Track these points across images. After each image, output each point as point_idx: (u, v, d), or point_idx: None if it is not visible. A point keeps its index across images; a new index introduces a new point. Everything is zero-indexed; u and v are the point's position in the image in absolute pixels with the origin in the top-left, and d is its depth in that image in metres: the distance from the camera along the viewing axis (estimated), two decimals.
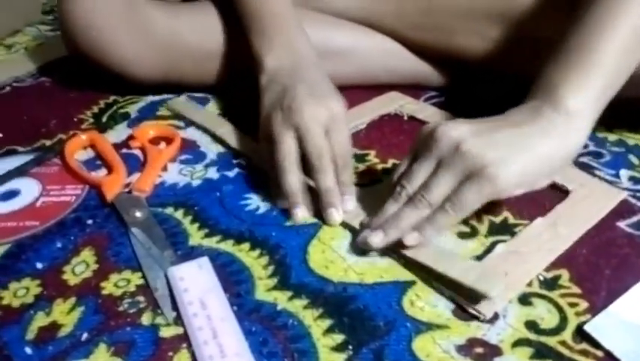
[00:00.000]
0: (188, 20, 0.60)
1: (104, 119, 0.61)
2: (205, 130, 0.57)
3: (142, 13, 0.58)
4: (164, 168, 0.51)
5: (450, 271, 0.36)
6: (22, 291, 0.39)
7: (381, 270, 0.39)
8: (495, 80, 0.58)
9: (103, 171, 0.52)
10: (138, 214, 0.45)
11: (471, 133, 0.38)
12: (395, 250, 0.39)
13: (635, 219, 0.43)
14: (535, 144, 0.38)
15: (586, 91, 0.40)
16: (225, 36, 0.60)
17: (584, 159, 0.50)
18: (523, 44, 0.54)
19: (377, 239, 0.39)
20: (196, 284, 0.38)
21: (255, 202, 0.46)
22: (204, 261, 0.40)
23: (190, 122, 0.59)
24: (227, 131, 0.55)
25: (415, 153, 0.41)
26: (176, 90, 0.64)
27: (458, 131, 0.38)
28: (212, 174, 0.51)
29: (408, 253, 0.39)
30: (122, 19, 0.57)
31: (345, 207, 0.44)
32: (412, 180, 0.39)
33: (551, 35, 0.45)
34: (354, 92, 0.60)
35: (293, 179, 0.43)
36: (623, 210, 0.43)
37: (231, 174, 0.50)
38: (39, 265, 0.41)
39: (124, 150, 0.55)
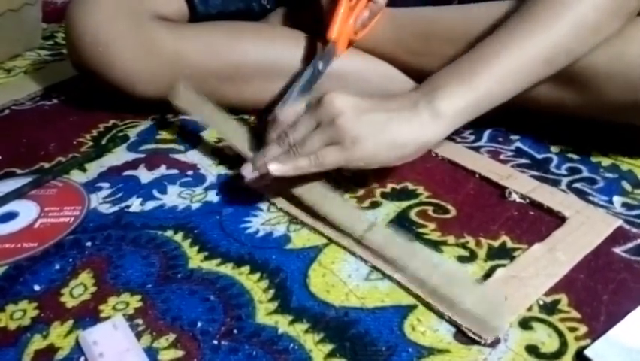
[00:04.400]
0: (192, 40, 0.61)
1: (104, 142, 0.61)
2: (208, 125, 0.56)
3: (148, 31, 0.59)
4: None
5: (461, 298, 0.36)
6: (18, 313, 0.38)
7: (383, 294, 0.39)
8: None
9: None
10: (320, 66, 0.55)
11: (350, 108, 0.44)
12: (401, 272, 0.40)
13: (630, 245, 0.43)
14: (395, 130, 0.45)
15: (459, 99, 0.45)
16: (229, 57, 0.61)
17: (578, 185, 0.50)
18: None
19: (246, 171, 0.47)
20: (112, 347, 0.35)
21: (255, 225, 0.47)
22: (119, 320, 0.37)
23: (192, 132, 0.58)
24: (231, 129, 0.54)
25: (308, 107, 0.47)
26: (177, 111, 0.65)
27: (341, 103, 0.45)
28: (212, 197, 0.51)
29: (415, 270, 0.39)
30: (127, 36, 0.58)
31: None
32: (295, 132, 0.46)
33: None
34: None
35: None
36: (618, 236, 0.44)
37: (231, 197, 0.51)
38: (36, 287, 0.41)
39: (125, 173, 0.55)
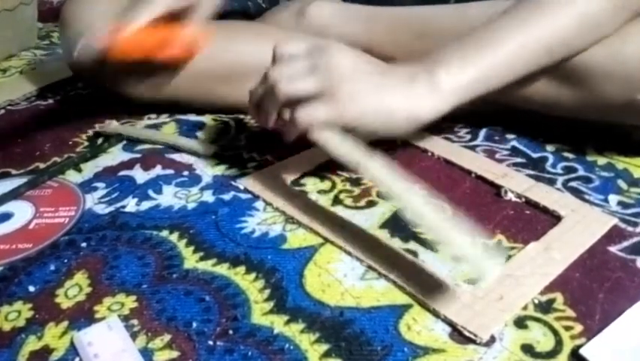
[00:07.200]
0: None
1: (99, 142, 0.61)
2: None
3: None
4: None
5: (455, 240, 0.36)
6: (13, 314, 0.38)
7: (378, 293, 0.39)
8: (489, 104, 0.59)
9: None
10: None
11: (350, 63, 0.44)
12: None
13: (625, 243, 0.43)
14: (388, 96, 0.44)
15: (460, 75, 0.45)
16: (223, 57, 0.60)
17: (574, 184, 0.51)
18: None
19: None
20: (106, 347, 0.35)
21: (251, 225, 0.46)
22: (114, 321, 0.37)
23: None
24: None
25: (307, 50, 0.45)
26: (173, 110, 0.65)
27: (342, 58, 0.44)
28: (208, 197, 0.51)
29: (411, 204, 0.38)
30: None
31: None
32: (286, 66, 0.44)
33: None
34: None
35: None
36: (613, 234, 0.44)
37: (227, 197, 0.50)
38: (31, 288, 0.41)
39: (120, 173, 0.55)
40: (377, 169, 0.41)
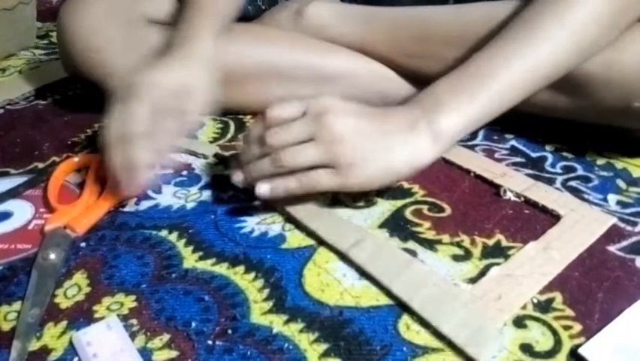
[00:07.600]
0: None
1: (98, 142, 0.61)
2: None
3: (141, 36, 0.59)
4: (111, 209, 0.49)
5: (442, 326, 0.36)
6: (12, 314, 0.38)
7: (377, 293, 0.39)
8: None
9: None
10: (52, 256, 0.42)
11: (350, 132, 0.43)
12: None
13: (624, 243, 0.43)
14: (392, 156, 0.43)
15: (460, 118, 0.44)
16: (223, 60, 0.60)
17: (573, 183, 0.51)
18: None
19: (238, 179, 0.46)
20: (105, 347, 0.35)
21: (250, 225, 0.46)
22: (113, 320, 0.37)
23: None
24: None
25: (303, 113, 0.44)
26: None
27: (342, 127, 0.43)
28: (207, 196, 0.51)
29: (398, 292, 0.38)
30: (120, 41, 0.58)
31: None
32: (283, 136, 0.43)
33: None
34: None
35: None
36: (612, 234, 0.44)
37: (226, 196, 0.50)
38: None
39: None
40: (363, 259, 0.41)
